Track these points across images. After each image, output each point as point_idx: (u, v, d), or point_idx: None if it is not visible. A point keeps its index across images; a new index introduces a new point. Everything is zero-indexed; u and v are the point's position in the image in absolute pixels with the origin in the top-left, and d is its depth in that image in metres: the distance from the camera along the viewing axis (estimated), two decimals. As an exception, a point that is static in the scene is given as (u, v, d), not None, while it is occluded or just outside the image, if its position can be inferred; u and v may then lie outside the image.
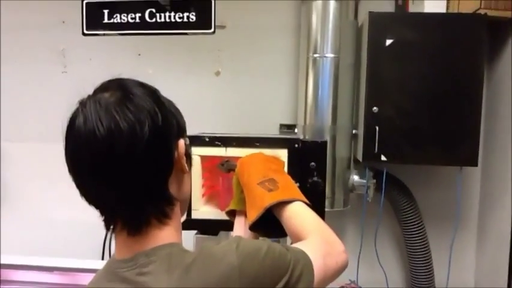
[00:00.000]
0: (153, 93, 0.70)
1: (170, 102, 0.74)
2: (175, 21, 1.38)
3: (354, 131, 1.83)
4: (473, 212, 2.03)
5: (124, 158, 0.63)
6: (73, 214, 1.73)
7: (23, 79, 2.14)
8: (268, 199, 0.89)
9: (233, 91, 2.06)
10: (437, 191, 1.98)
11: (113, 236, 0.71)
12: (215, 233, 1.27)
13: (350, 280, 1.94)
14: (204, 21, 1.36)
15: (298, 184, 1.04)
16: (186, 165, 0.73)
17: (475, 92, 1.62)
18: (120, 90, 0.66)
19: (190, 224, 1.19)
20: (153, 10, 1.38)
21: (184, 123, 0.76)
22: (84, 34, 1.40)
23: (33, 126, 2.15)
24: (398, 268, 2.08)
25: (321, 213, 0.94)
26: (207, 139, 1.18)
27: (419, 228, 1.87)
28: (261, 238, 0.72)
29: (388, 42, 1.62)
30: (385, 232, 2.03)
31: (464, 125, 1.63)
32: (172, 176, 0.70)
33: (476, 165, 1.66)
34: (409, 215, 1.86)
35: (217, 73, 2.07)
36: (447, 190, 1.92)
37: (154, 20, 1.38)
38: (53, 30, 2.09)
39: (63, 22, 2.08)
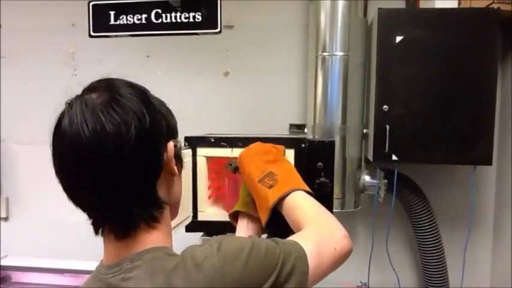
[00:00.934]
0: (142, 93, 0.68)
1: (161, 102, 0.72)
2: (182, 21, 1.37)
3: (364, 131, 1.81)
4: (489, 212, 1.98)
5: (110, 160, 0.62)
6: (83, 216, 1.73)
7: (34, 82, 2.16)
8: (271, 197, 0.89)
9: (242, 91, 2.05)
10: (451, 191, 1.94)
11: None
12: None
13: (361, 282, 1.91)
14: (210, 21, 1.35)
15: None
16: (175, 167, 0.71)
17: (489, 89, 1.59)
18: (107, 91, 0.65)
19: (196, 226, 1.18)
20: (159, 11, 1.37)
21: (175, 124, 0.74)
22: (90, 36, 1.40)
23: (44, 128, 2.16)
24: (411, 270, 2.04)
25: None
26: (212, 140, 1.16)
27: (433, 229, 1.83)
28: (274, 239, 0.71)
29: (398, 39, 1.59)
30: (397, 233, 2.00)
31: (477, 123, 1.59)
32: (162, 179, 0.69)
33: (490, 164, 1.62)
34: (422, 215, 1.82)
35: (226, 73, 2.07)
36: (461, 190, 1.88)
37: (160, 20, 1.38)
38: (62, 33, 2.11)
39: (73, 25, 2.10)
